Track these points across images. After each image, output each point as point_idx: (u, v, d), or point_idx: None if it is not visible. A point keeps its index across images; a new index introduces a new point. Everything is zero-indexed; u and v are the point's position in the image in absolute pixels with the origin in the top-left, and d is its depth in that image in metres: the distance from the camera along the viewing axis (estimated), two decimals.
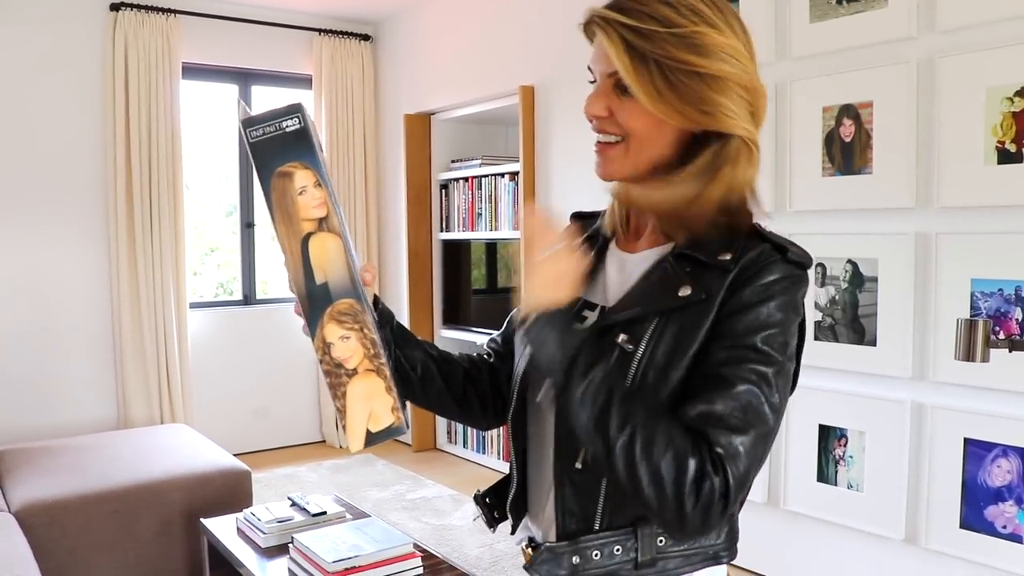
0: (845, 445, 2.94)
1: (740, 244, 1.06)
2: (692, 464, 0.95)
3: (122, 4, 4.72)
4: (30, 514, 3.12)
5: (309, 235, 0.99)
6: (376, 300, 1.18)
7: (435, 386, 1.25)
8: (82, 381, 4.83)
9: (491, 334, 1.35)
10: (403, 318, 5.45)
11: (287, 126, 0.98)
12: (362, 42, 5.59)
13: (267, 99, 5.56)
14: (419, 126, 5.35)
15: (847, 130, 2.90)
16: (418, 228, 5.42)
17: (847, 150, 2.90)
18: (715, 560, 1.12)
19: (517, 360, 1.22)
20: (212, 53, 5.14)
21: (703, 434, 0.97)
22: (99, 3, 4.75)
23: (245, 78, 5.38)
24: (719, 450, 0.96)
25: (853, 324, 2.90)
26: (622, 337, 1.07)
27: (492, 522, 1.25)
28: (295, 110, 0.98)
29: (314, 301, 0.99)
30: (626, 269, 1.16)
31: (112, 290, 4.85)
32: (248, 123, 0.98)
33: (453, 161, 5.31)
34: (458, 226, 5.22)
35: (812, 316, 3.01)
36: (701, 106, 1.04)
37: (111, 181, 4.77)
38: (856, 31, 2.86)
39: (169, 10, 4.85)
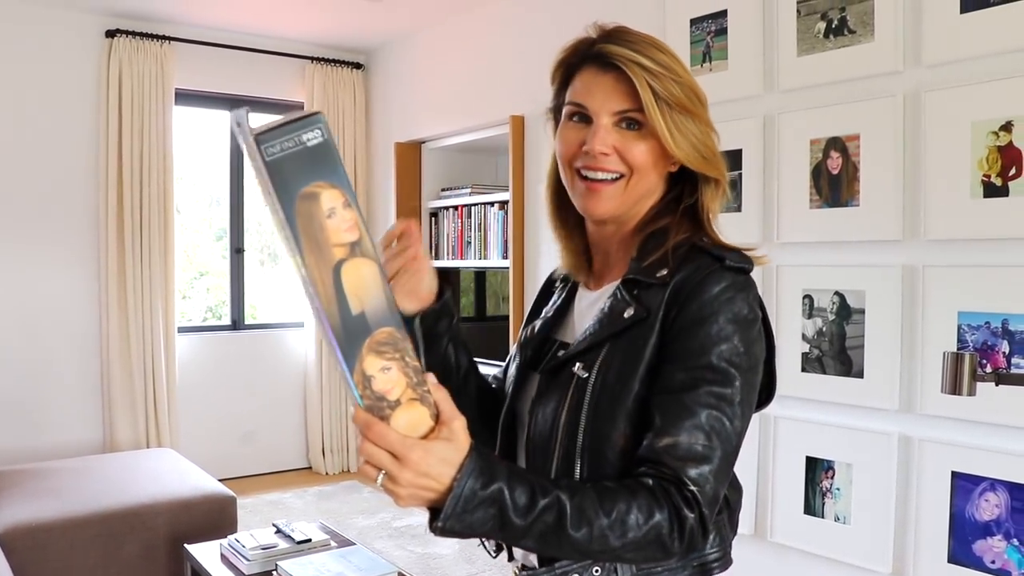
0: (832, 477, 2.93)
1: (678, 258, 1.10)
2: (664, 517, 0.96)
3: (117, 31, 4.75)
4: (13, 537, 3.09)
5: (341, 262, 0.88)
6: (442, 290, 1.20)
7: (469, 395, 1.29)
8: (69, 404, 4.80)
9: (478, 361, 1.35)
10: None
11: (308, 140, 0.85)
12: (354, 70, 5.63)
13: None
14: (410, 154, 5.37)
15: (834, 163, 2.93)
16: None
17: (834, 182, 2.92)
18: (705, 571, 1.12)
19: (507, 392, 1.26)
20: (205, 79, 5.16)
21: (672, 471, 0.98)
22: (95, 29, 4.77)
23: (238, 104, 5.38)
24: (691, 487, 0.97)
25: (840, 356, 2.90)
26: (577, 366, 1.11)
27: (497, 548, 1.24)
28: (316, 121, 0.86)
29: (351, 334, 0.88)
30: (588, 305, 1.21)
31: (101, 313, 4.83)
32: (262, 138, 0.84)
33: (443, 189, 5.33)
34: (448, 254, 5.22)
35: (800, 348, 3.01)
36: (703, 150, 1.13)
37: (103, 205, 4.77)
38: (843, 65, 2.89)
39: (164, 37, 4.88)
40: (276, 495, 4.98)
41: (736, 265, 1.07)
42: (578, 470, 1.07)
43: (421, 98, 5.27)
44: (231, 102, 5.37)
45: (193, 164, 5.52)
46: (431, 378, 0.95)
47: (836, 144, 2.92)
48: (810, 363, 2.99)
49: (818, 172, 2.97)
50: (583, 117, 1.15)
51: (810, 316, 2.99)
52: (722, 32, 3.27)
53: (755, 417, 3.12)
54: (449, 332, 1.24)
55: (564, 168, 1.17)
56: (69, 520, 3.22)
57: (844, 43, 2.88)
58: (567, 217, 1.26)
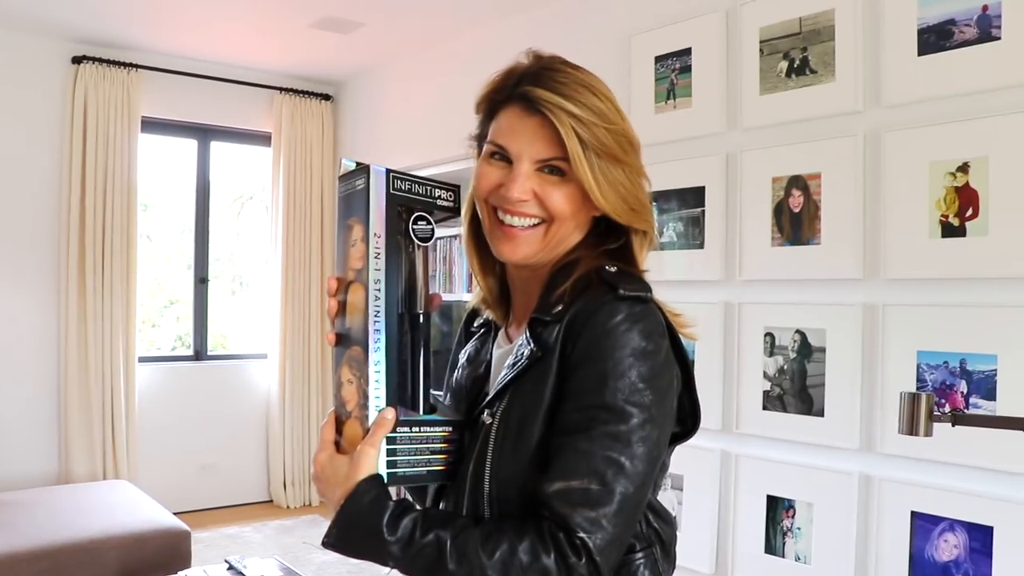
0: (793, 516, 2.91)
1: (576, 291, 1.06)
2: (551, 562, 0.93)
3: (84, 57, 4.71)
4: None
5: (350, 283, 1.08)
6: (427, 317, 1.15)
7: None
8: (25, 433, 4.68)
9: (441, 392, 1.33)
10: None
11: (358, 185, 1.06)
12: (322, 101, 5.62)
13: (226, 155, 5.54)
14: None
15: (796, 201, 2.94)
16: None
17: (796, 221, 2.94)
18: None
19: None
20: (172, 108, 5.12)
21: (560, 517, 0.95)
22: (61, 55, 4.73)
23: (205, 133, 5.36)
24: (580, 534, 0.94)
25: (801, 394, 2.90)
26: (485, 414, 1.09)
27: None
28: (364, 171, 1.06)
29: (341, 341, 1.10)
30: (504, 355, 1.16)
31: (60, 341, 4.74)
32: (341, 179, 1.10)
33: None
34: None
35: (760, 386, 3.00)
36: (631, 201, 1.09)
37: (64, 231, 4.70)
38: (805, 104, 2.92)
39: (131, 64, 4.84)
40: (235, 529, 4.87)
41: (631, 294, 1.02)
42: (487, 516, 1.05)
43: (388, 129, 5.26)
44: (199, 131, 5.33)
45: (163, 192, 5.46)
46: (388, 412, 1.04)
47: (798, 182, 2.94)
48: (771, 401, 2.98)
49: (780, 210, 2.99)
50: (504, 157, 1.10)
51: (771, 354, 2.99)
52: (686, 70, 3.29)
53: (716, 455, 3.10)
54: None
55: (480, 205, 1.13)
56: (15, 555, 3.13)
57: (806, 83, 2.92)
58: (485, 254, 1.19)
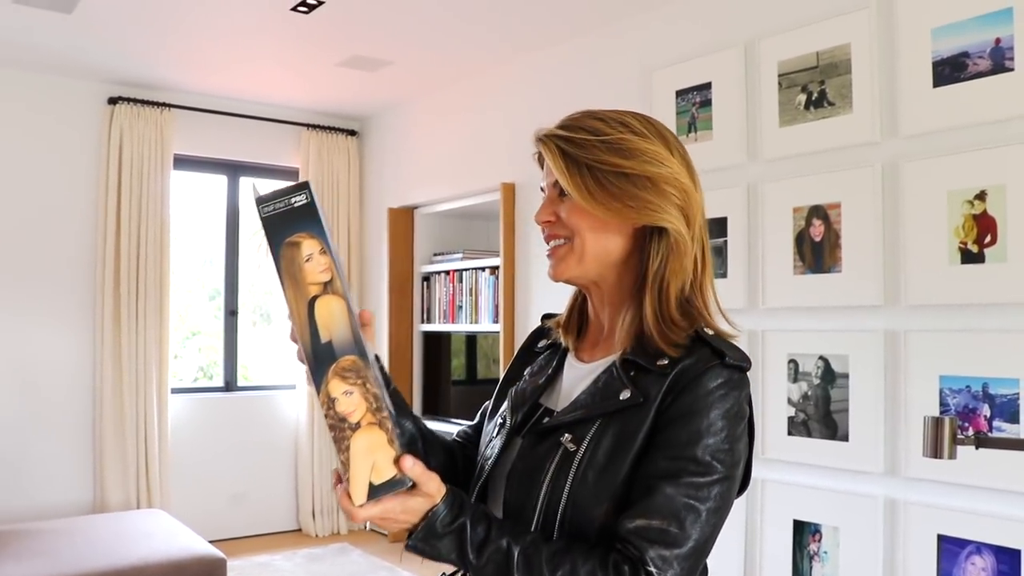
0: (820, 540, 2.94)
1: (680, 349, 1.12)
2: None
3: (120, 98, 4.86)
4: None
5: (315, 298, 1.04)
6: (377, 359, 1.23)
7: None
8: (61, 463, 4.79)
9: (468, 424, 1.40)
10: None
11: (296, 201, 1.05)
12: (348, 137, 5.75)
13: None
14: (403, 219, 5.46)
15: (817, 230, 3.01)
16: (400, 319, 5.46)
17: (817, 249, 3.00)
18: None
19: (481, 458, 1.27)
20: (203, 145, 5.27)
21: (636, 550, 1.02)
22: (98, 95, 4.89)
23: (234, 169, 5.50)
24: (651, 569, 1.02)
25: (826, 419, 2.94)
26: (566, 436, 1.14)
27: None
28: (303, 187, 1.05)
29: (319, 359, 1.04)
30: (579, 377, 1.23)
31: (95, 373, 4.85)
32: (261, 201, 1.05)
33: (435, 254, 5.40)
34: (439, 318, 5.27)
35: (785, 412, 3.05)
36: (628, 201, 1.14)
37: (100, 266, 4.83)
38: (823, 135, 2.99)
39: (164, 104, 4.99)
40: (266, 557, 4.93)
41: (735, 363, 1.10)
42: (556, 535, 1.10)
43: (414, 164, 5.38)
44: (228, 167, 5.47)
45: (188, 225, 5.59)
46: (407, 461, 1.03)
47: (818, 212, 3.00)
48: (796, 427, 3.03)
49: (801, 239, 3.05)
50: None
51: (795, 380, 3.04)
52: (707, 103, 3.38)
53: None
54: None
55: None
56: None
57: (824, 115, 2.99)
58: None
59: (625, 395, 1.11)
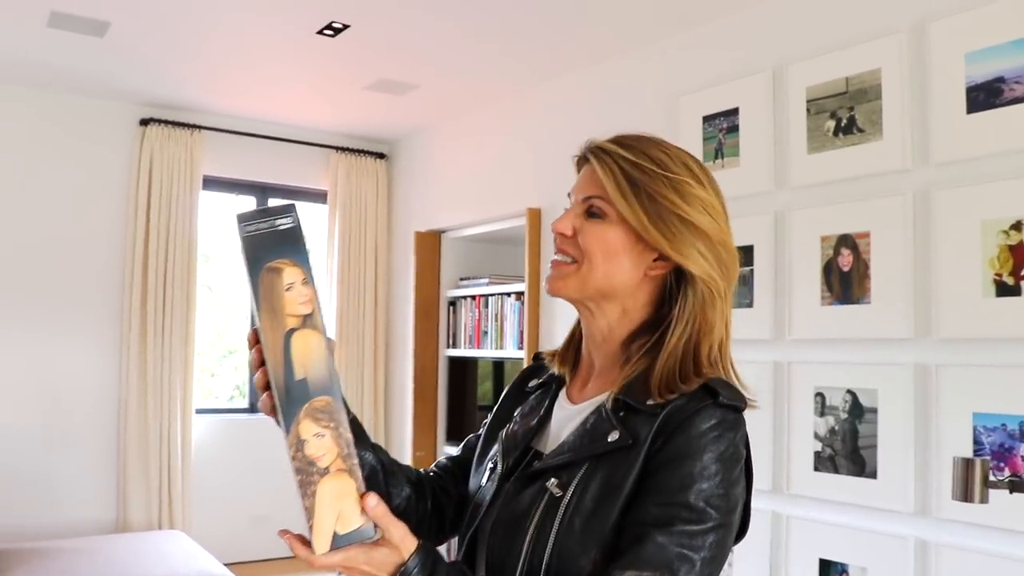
0: None
1: (670, 386, 1.06)
2: None
3: (151, 119, 4.91)
4: None
5: (293, 330, 0.98)
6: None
7: (377, 491, 1.23)
8: (86, 481, 4.81)
9: None
10: (407, 432, 5.40)
11: (280, 224, 0.99)
12: (377, 160, 5.75)
13: None
14: (429, 243, 5.43)
15: (845, 260, 2.92)
16: (425, 344, 5.42)
17: (845, 279, 2.91)
18: None
19: (472, 505, 1.21)
20: (233, 167, 5.30)
21: None
22: (131, 117, 4.95)
23: (263, 191, 5.52)
24: None
25: (853, 455, 2.84)
26: (552, 481, 1.08)
27: None
28: (289, 210, 0.99)
29: (292, 396, 0.98)
30: (568, 418, 1.17)
31: (120, 392, 4.88)
32: (243, 218, 0.99)
33: (462, 279, 5.37)
34: (465, 343, 5.22)
35: (811, 446, 2.95)
36: (676, 243, 1.10)
37: (127, 285, 4.87)
38: (852, 163, 2.91)
39: (194, 126, 5.04)
40: None
41: (729, 403, 1.05)
42: None
43: (441, 188, 5.36)
44: (258, 188, 5.50)
45: (224, 244, 5.63)
46: (371, 499, 0.97)
47: (847, 241, 2.92)
48: (822, 462, 2.93)
49: (829, 269, 2.96)
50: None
51: (822, 414, 2.94)
52: (734, 129, 3.32)
53: (766, 516, 3.04)
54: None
55: None
56: None
57: (853, 141, 2.91)
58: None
59: (613, 436, 1.05)
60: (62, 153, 4.80)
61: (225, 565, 3.79)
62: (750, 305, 3.18)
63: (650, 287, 1.15)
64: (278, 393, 0.98)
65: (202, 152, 5.07)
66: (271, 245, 0.98)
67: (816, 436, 2.95)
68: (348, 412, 1.19)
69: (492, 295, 4.98)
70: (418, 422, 5.36)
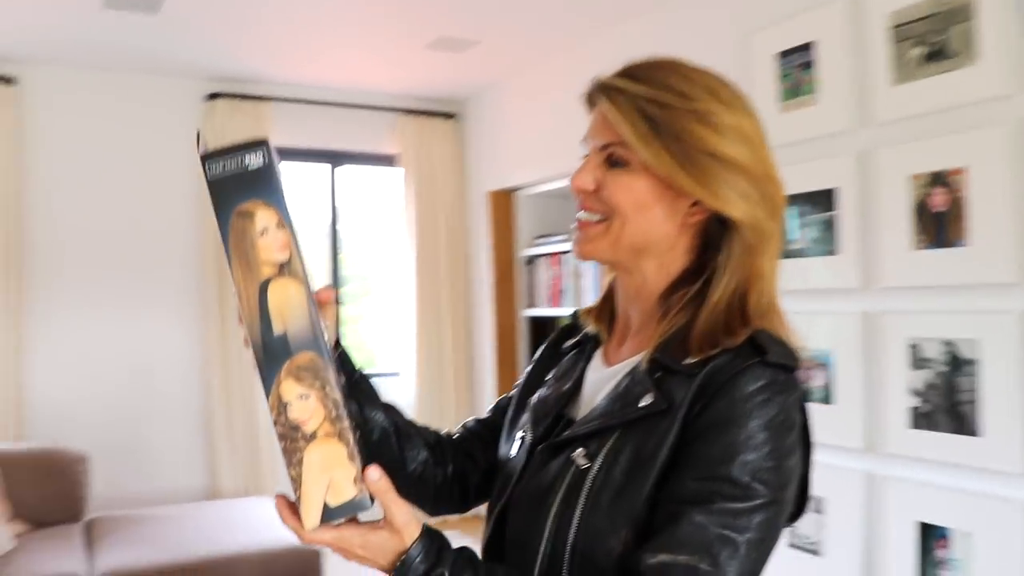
0: (947, 547, 2.63)
1: (713, 341, 0.92)
2: None
3: (217, 94, 4.91)
4: None
5: (268, 280, 0.88)
6: (336, 343, 1.08)
7: (389, 456, 1.13)
8: (178, 451, 4.94)
9: None
10: (490, 395, 5.36)
11: (250, 162, 0.88)
12: (446, 121, 5.64)
13: (353, 179, 5.65)
14: (503, 202, 5.32)
15: (938, 199, 2.68)
16: (504, 305, 5.35)
17: (939, 221, 2.67)
18: None
19: (501, 478, 1.09)
20: (301, 136, 5.27)
21: None
22: (196, 93, 4.96)
23: (333, 158, 5.49)
24: None
25: (952, 411, 2.62)
26: (579, 451, 0.95)
27: None
28: (259, 145, 0.89)
29: (271, 354, 0.88)
30: (602, 381, 1.03)
31: (205, 362, 4.97)
32: (208, 157, 0.89)
33: (537, 237, 5.24)
34: (543, 302, 5.12)
35: (904, 402, 2.74)
36: (712, 186, 0.95)
37: (206, 259, 4.92)
38: (945, 92, 2.65)
39: (260, 97, 5.02)
40: None
41: (778, 362, 0.90)
42: (565, 570, 0.92)
43: (514, 145, 5.22)
44: (327, 156, 5.47)
45: (300, 214, 5.64)
46: (373, 472, 0.87)
47: (940, 179, 2.67)
48: (919, 418, 2.71)
49: (921, 210, 2.72)
50: (587, 155, 1.04)
51: (917, 367, 2.73)
52: (810, 65, 3.07)
53: (859, 476, 2.84)
54: (356, 391, 1.10)
55: None
56: (161, 568, 3.30)
57: (945, 68, 2.65)
58: None
59: (646, 400, 0.92)
60: (135, 134, 4.85)
61: None
62: (832, 253, 2.96)
63: (690, 235, 1.01)
64: (255, 351, 0.88)
65: (270, 123, 5.05)
66: (241, 186, 0.88)
67: (911, 391, 2.74)
68: (353, 367, 1.10)
69: (569, 252, 4.85)
70: (502, 384, 5.30)
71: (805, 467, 0.95)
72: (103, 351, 4.76)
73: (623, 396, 0.95)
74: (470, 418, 1.28)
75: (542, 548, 0.94)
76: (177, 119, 4.94)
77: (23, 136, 4.54)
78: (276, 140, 5.02)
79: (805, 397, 0.95)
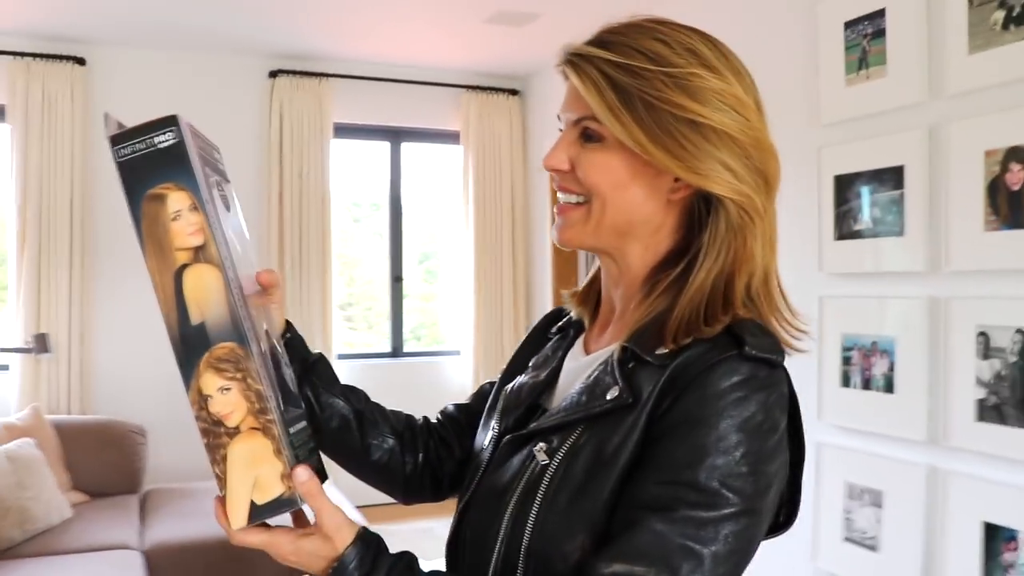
0: (1016, 549, 2.47)
1: (688, 330, 0.83)
2: None
3: (280, 71, 4.93)
4: (156, 554, 3.26)
5: (184, 267, 0.83)
6: (288, 326, 1.03)
7: (351, 444, 1.07)
8: None
9: None
10: None
11: (160, 142, 0.82)
12: (510, 97, 5.56)
13: (416, 155, 5.63)
14: None
15: (1015, 177, 2.49)
16: (566, 283, 5.26)
17: (1015, 200, 2.48)
18: None
19: (469, 472, 1.02)
20: (363, 113, 5.27)
21: None
22: (260, 70, 4.99)
23: (396, 135, 5.47)
24: None
25: (1023, 405, 2.45)
26: (540, 446, 0.87)
27: None
28: (169, 123, 0.82)
29: (189, 345, 0.84)
30: (579, 370, 0.94)
31: None
32: (116, 140, 0.83)
33: None
34: None
35: (973, 393, 2.56)
36: (691, 159, 0.85)
37: (265, 238, 4.95)
38: None
39: (322, 74, 5.02)
40: (426, 523, 4.94)
41: (759, 355, 0.81)
42: (519, 573, 0.85)
43: None
44: (390, 133, 5.45)
45: (352, 191, 5.67)
46: (301, 473, 0.80)
47: (1017, 155, 2.48)
48: (987, 411, 2.54)
49: (995, 188, 2.54)
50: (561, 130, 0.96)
51: (986, 357, 2.55)
52: (880, 34, 2.89)
53: (921, 471, 2.68)
54: (310, 377, 1.04)
55: None
56: (208, 542, 3.33)
57: None
58: None
59: (612, 393, 0.83)
60: (201, 112, 4.88)
61: (357, 508, 3.83)
62: (900, 233, 2.79)
63: (676, 213, 0.92)
64: (173, 343, 0.84)
65: (331, 100, 5.06)
66: (152, 168, 0.82)
67: (980, 382, 2.57)
68: (307, 352, 1.04)
69: None
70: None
71: (794, 473, 0.86)
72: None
73: (591, 388, 0.87)
74: (449, 404, 1.20)
75: (496, 549, 0.87)
76: (241, 96, 4.98)
77: (94, 116, 4.63)
78: (336, 117, 5.03)
79: (793, 394, 0.85)
